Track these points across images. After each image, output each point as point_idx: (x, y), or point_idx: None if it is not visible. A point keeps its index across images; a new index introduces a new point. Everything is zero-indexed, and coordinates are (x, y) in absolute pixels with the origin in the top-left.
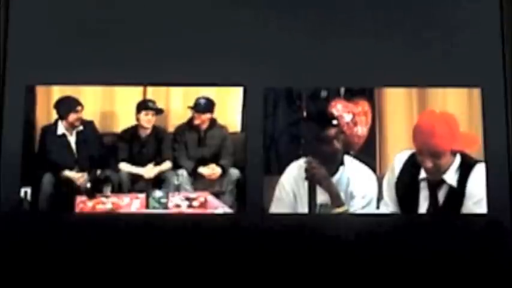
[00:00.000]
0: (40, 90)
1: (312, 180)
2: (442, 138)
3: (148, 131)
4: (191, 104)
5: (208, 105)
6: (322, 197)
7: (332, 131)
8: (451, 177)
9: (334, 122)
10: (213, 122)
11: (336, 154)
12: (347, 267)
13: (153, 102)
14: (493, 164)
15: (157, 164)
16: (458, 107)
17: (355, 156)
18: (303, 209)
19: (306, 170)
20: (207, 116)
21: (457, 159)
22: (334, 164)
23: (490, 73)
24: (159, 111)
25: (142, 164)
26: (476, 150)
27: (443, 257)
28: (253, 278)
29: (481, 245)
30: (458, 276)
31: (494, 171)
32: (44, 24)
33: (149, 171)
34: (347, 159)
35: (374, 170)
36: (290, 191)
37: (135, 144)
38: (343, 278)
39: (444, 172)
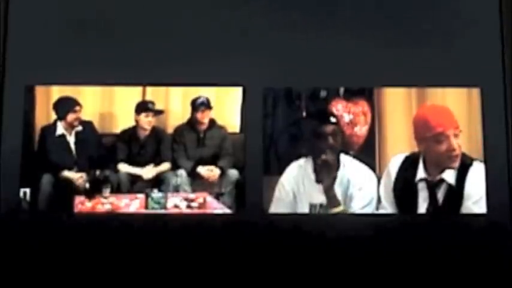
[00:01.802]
0: (39, 90)
1: (321, 167)
2: (452, 119)
3: (147, 132)
4: (190, 104)
5: (207, 102)
6: (320, 197)
7: (329, 128)
8: (450, 176)
9: (333, 119)
10: (212, 122)
11: (331, 150)
12: (347, 267)
13: (153, 103)
14: (492, 163)
15: (157, 164)
16: (458, 106)
17: (355, 156)
18: (303, 209)
19: (321, 158)
20: (208, 112)
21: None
22: (330, 159)
23: (489, 73)
24: (158, 113)
25: (142, 164)
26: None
27: (443, 257)
28: (253, 278)
29: (480, 245)
30: (458, 276)
31: (493, 171)
32: (43, 24)
33: (148, 172)
34: (347, 159)
35: (374, 170)
36: (290, 190)
37: (134, 145)
38: (343, 278)
39: (443, 171)
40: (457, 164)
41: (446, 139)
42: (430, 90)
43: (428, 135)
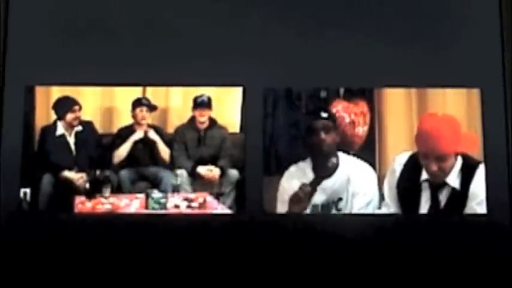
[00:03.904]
0: (39, 90)
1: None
2: (446, 142)
3: (144, 128)
4: (190, 104)
5: (209, 102)
6: (321, 197)
7: (322, 123)
8: (453, 179)
9: (324, 114)
10: (213, 121)
11: (327, 147)
12: (348, 268)
13: (147, 99)
14: (492, 164)
15: (155, 163)
16: (458, 107)
17: (355, 156)
18: (305, 210)
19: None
20: (208, 112)
21: (459, 161)
22: (328, 158)
23: (489, 74)
24: (152, 108)
25: (139, 161)
26: (477, 150)
27: (443, 257)
28: (253, 278)
29: (480, 244)
30: (458, 276)
31: (493, 172)
32: (43, 24)
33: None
34: (345, 157)
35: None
36: (291, 191)
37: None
38: (344, 278)
39: (447, 175)
40: (446, 173)
41: (429, 160)
42: (430, 90)
43: (417, 145)
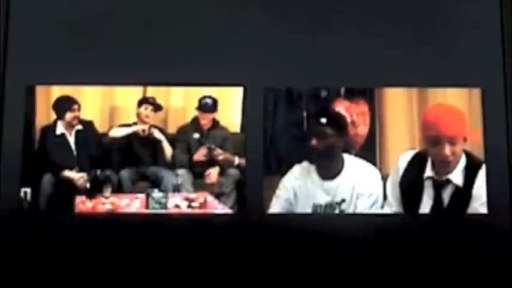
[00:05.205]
0: (40, 90)
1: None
2: (456, 125)
3: (146, 126)
4: (191, 103)
5: (214, 105)
6: (324, 197)
7: (327, 126)
8: (456, 177)
9: (323, 120)
10: (215, 122)
11: (332, 149)
12: (349, 268)
13: (153, 98)
14: (493, 163)
15: (156, 163)
16: (459, 107)
17: (357, 156)
18: (305, 209)
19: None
20: (212, 115)
21: (463, 159)
22: (333, 160)
23: (490, 73)
24: (158, 108)
25: (139, 159)
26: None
27: (444, 257)
28: (253, 278)
29: (481, 244)
30: (458, 276)
31: (494, 171)
32: (44, 24)
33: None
34: (350, 158)
35: None
36: (290, 189)
37: (133, 142)
38: (344, 278)
39: (450, 172)
40: (451, 169)
41: (440, 144)
42: (431, 90)
43: (425, 135)
